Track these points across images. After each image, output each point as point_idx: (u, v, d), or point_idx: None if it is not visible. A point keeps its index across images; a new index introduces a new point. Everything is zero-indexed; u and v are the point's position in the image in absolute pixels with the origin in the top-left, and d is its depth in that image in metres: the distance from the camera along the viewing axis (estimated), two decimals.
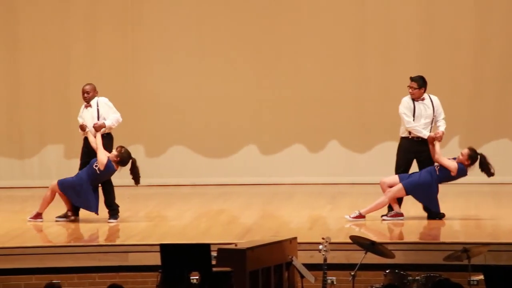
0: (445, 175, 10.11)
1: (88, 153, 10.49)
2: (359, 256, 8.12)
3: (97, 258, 8.86)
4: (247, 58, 13.65)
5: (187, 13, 13.65)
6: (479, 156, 10.15)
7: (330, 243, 8.02)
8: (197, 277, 7.73)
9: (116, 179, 13.77)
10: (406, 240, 9.35)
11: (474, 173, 12.72)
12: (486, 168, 10.09)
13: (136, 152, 13.79)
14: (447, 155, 13.30)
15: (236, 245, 8.10)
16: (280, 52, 13.59)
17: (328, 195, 12.50)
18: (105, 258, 8.86)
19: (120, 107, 13.69)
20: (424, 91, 10.24)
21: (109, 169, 10.29)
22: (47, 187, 13.22)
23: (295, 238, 8.43)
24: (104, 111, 10.49)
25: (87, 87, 10.62)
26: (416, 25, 13.44)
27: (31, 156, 13.64)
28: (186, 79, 13.75)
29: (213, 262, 7.75)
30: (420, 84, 10.21)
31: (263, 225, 10.20)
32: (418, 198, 10.11)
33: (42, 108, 13.65)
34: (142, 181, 13.76)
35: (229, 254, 7.82)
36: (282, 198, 12.41)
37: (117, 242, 9.24)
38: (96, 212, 10.28)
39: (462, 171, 10.17)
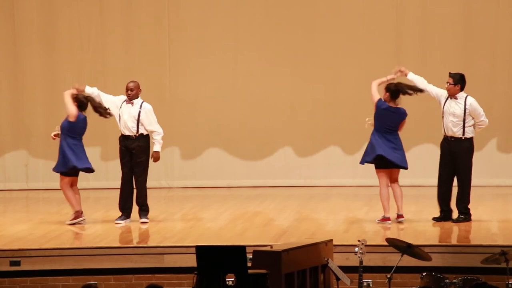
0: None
1: (127, 151, 10.54)
2: (396, 259, 8.07)
3: (133, 259, 8.90)
4: (283, 60, 13.63)
5: (224, 15, 13.66)
6: (393, 85, 10.05)
7: (366, 246, 7.98)
8: (232, 279, 7.73)
9: (152, 181, 13.88)
10: (443, 242, 9.28)
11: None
12: (406, 90, 10.02)
13: (172, 154, 13.88)
14: (485, 158, 13.23)
15: (271, 247, 8.08)
16: (316, 54, 13.56)
17: (364, 197, 12.44)
18: (141, 259, 8.90)
19: (156, 109, 13.77)
20: (460, 89, 10.13)
21: (80, 117, 10.26)
22: (87, 189, 13.35)
23: (331, 240, 8.40)
24: (146, 118, 10.48)
25: (131, 85, 10.65)
26: (454, 26, 13.34)
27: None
28: (222, 81, 13.77)
29: (249, 264, 7.75)
30: (456, 80, 10.12)
31: (298, 227, 10.19)
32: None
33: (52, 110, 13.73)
34: (178, 183, 13.94)
35: (265, 256, 7.81)
36: (318, 200, 12.38)
37: (153, 244, 9.26)
38: (91, 170, 10.30)
39: (380, 103, 10.08)
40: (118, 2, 13.72)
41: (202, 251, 7.68)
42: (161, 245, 9.19)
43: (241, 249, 7.62)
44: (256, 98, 13.74)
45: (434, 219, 10.25)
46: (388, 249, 8.35)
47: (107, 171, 13.74)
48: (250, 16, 13.65)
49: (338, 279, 8.05)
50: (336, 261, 8.25)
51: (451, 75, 10.18)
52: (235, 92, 13.76)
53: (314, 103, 13.66)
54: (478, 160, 13.35)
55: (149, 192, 13.43)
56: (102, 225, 10.46)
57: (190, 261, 8.25)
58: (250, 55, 13.68)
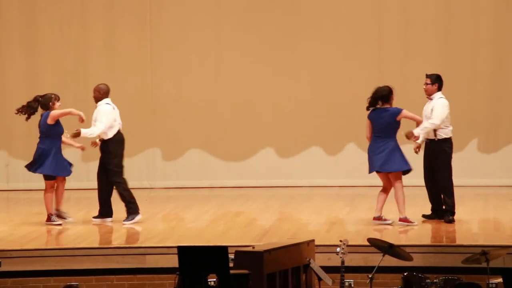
0: None
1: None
2: (377, 259, 8.09)
3: (115, 260, 8.87)
4: (264, 60, 13.63)
5: (206, 15, 13.66)
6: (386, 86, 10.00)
7: (348, 246, 8.00)
8: (214, 280, 7.72)
9: (134, 181, 13.84)
10: (424, 242, 9.30)
11: (493, 175, 12.66)
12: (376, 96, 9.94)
13: (154, 154, 13.85)
14: (466, 159, 13.29)
15: (253, 247, 8.09)
16: (298, 55, 13.58)
17: (346, 197, 12.47)
18: (122, 260, 8.87)
19: (138, 110, 13.78)
20: (438, 89, 10.13)
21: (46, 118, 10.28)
22: (67, 189, 13.30)
23: (313, 240, 8.41)
24: (96, 115, 10.44)
25: (94, 87, 10.54)
26: (435, 26, 13.39)
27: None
28: (203, 82, 13.76)
29: (231, 265, 7.75)
30: (433, 80, 10.13)
31: (280, 227, 10.19)
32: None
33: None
34: (160, 183, 13.91)
35: (247, 257, 7.82)
36: (300, 200, 12.39)
37: (135, 245, 9.24)
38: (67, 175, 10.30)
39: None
40: (100, 2, 13.69)
41: (184, 252, 7.67)
42: (143, 245, 9.16)
43: (223, 249, 7.62)
44: (238, 98, 13.74)
45: (424, 216, 10.26)
46: (370, 249, 8.37)
47: (88, 172, 13.70)
48: (231, 16, 13.64)
49: (320, 279, 8.06)
50: (318, 261, 8.26)
51: (428, 75, 10.20)
52: (217, 93, 13.75)
53: (296, 103, 13.67)
54: (459, 160, 13.42)
55: (141, 192, 13.48)
56: (83, 226, 10.42)
57: (172, 261, 8.24)
58: (232, 55, 13.68)
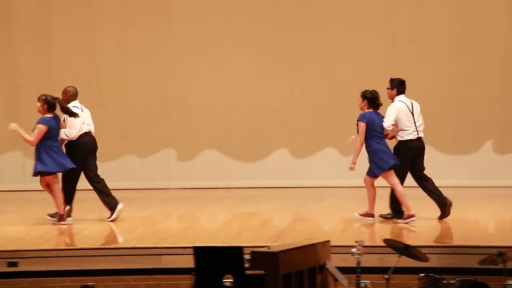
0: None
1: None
2: (393, 260, 8.08)
3: (131, 260, 8.89)
4: (279, 61, 13.64)
5: (221, 16, 13.68)
6: (369, 92, 10.25)
7: (364, 246, 7.99)
8: (230, 280, 7.73)
9: (148, 182, 13.86)
10: (440, 243, 9.28)
11: (509, 176, 12.63)
12: (377, 99, 10.22)
13: (168, 155, 13.88)
14: (481, 159, 13.27)
15: (269, 248, 8.09)
16: (313, 56, 13.58)
17: (361, 198, 12.42)
18: (138, 260, 8.89)
19: (152, 111, 13.81)
20: (397, 94, 10.36)
21: (50, 123, 10.20)
22: (81, 190, 13.33)
23: (328, 241, 8.40)
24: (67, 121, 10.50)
25: (62, 90, 10.68)
26: (449, 27, 13.36)
27: None
28: (218, 82, 13.78)
29: (246, 265, 7.75)
30: (392, 85, 10.41)
31: (295, 228, 10.19)
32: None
33: None
34: (175, 184, 13.93)
35: (262, 257, 7.81)
36: (315, 201, 12.39)
37: (150, 245, 9.26)
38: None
39: (361, 117, 10.25)
40: (113, 1, 13.71)
41: (200, 252, 7.68)
42: (158, 246, 9.18)
43: (239, 250, 7.62)
44: (252, 99, 13.75)
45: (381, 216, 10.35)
46: (386, 250, 8.35)
47: (104, 172, 13.74)
48: (246, 18, 13.65)
49: (336, 280, 8.06)
50: (334, 262, 8.25)
51: (390, 80, 10.49)
52: (232, 94, 13.77)
53: (310, 104, 13.67)
54: (474, 161, 13.40)
55: (145, 192, 13.51)
56: (98, 226, 10.45)
57: (188, 262, 8.25)
58: (247, 56, 13.69)
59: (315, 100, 13.63)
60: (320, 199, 12.49)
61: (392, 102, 10.44)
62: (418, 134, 10.38)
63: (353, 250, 7.93)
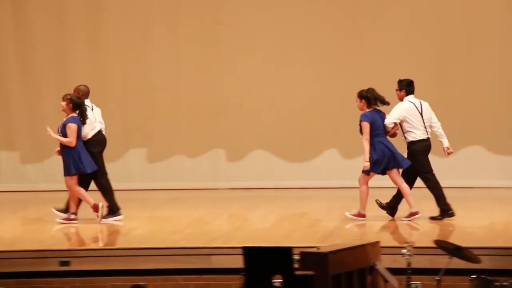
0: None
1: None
2: (444, 261, 8.00)
3: (181, 260, 8.93)
4: (328, 61, 13.60)
5: (271, 14, 13.67)
6: (365, 91, 10.36)
7: (414, 247, 7.93)
8: (279, 281, 7.73)
9: (198, 182, 13.91)
10: (492, 244, 9.18)
11: None
12: (379, 97, 10.31)
13: (218, 155, 13.92)
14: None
15: (318, 248, 8.07)
16: (360, 56, 13.52)
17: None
18: (188, 260, 8.93)
19: (202, 111, 13.86)
20: (406, 94, 10.46)
21: (78, 121, 10.29)
22: (131, 190, 13.38)
23: (378, 242, 8.35)
24: None
25: (74, 88, 10.78)
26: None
27: (115, 160, 13.84)
28: (268, 82, 13.78)
29: (296, 266, 7.74)
30: (400, 86, 10.51)
31: (345, 228, 10.15)
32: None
33: (126, 111, 13.83)
34: (224, 184, 13.97)
35: (312, 258, 7.79)
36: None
37: (200, 245, 9.29)
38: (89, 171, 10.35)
39: (363, 116, 10.34)
40: (164, 2, 13.78)
41: (249, 252, 7.68)
42: (208, 246, 9.22)
43: (288, 250, 7.61)
44: (302, 99, 13.73)
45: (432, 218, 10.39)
46: (437, 251, 8.28)
47: (152, 173, 13.84)
48: (296, 19, 13.63)
49: (386, 281, 8.01)
50: (384, 263, 8.20)
51: (398, 81, 10.53)
52: (282, 93, 13.76)
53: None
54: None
55: (195, 192, 13.57)
56: (149, 226, 10.52)
57: (237, 262, 8.26)
58: (297, 57, 13.67)
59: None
60: (370, 199, 12.41)
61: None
62: (427, 134, 10.46)
63: (403, 251, 7.88)
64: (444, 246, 8.11)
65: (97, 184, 10.63)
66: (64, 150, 10.37)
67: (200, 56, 13.79)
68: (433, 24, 13.49)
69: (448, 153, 10.53)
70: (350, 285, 7.91)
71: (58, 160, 13.68)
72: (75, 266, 8.81)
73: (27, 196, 13.25)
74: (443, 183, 10.56)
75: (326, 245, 8.50)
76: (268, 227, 10.36)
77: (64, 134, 10.35)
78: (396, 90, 10.51)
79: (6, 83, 13.73)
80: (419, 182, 10.64)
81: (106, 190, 10.61)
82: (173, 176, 13.75)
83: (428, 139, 10.47)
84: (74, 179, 10.40)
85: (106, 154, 13.71)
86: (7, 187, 13.74)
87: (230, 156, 13.89)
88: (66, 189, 10.57)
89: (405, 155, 10.47)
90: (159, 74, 13.80)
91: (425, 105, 10.50)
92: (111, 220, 10.49)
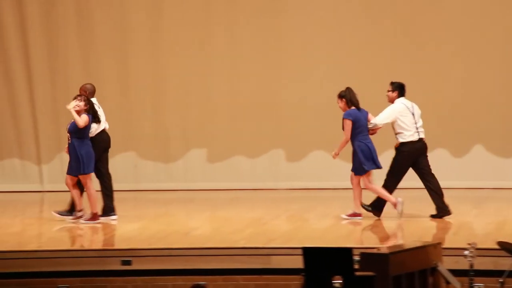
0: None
1: None
2: (508, 263, 7.89)
3: (241, 260, 8.95)
4: (388, 60, 13.51)
5: (328, 20, 13.63)
6: (346, 89, 10.56)
7: (477, 249, 7.84)
8: (339, 281, 7.70)
9: (258, 182, 13.92)
10: None
11: None
12: (354, 100, 10.51)
13: (277, 156, 13.91)
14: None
15: (378, 249, 8.02)
16: (425, 55, 13.41)
17: (473, 199, 12.22)
18: (248, 260, 8.95)
19: (261, 111, 13.87)
20: (398, 96, 10.61)
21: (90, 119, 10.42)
22: (192, 190, 13.45)
23: (440, 243, 8.28)
24: None
25: (80, 87, 10.89)
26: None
27: (176, 160, 13.94)
28: (326, 84, 13.73)
29: (356, 267, 7.71)
30: (393, 87, 10.65)
31: (406, 229, 10.08)
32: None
33: (186, 112, 13.92)
34: (284, 184, 13.96)
35: (372, 259, 7.75)
36: (425, 203, 12.19)
37: (260, 245, 9.31)
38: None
39: (346, 114, 10.49)
40: (224, 2, 13.82)
41: (309, 253, 7.67)
42: (268, 246, 9.23)
43: (348, 251, 7.58)
44: (361, 99, 13.64)
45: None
46: (500, 253, 8.17)
47: (213, 173, 13.90)
48: (353, 19, 13.57)
49: (448, 282, 7.93)
50: (445, 264, 8.12)
51: (390, 83, 10.67)
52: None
53: (422, 104, 13.46)
54: None
55: (255, 193, 13.59)
56: (209, 226, 10.57)
57: (297, 262, 8.25)
58: (355, 56, 13.61)
59: (427, 99, 13.43)
60: (431, 201, 12.29)
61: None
62: (419, 135, 10.56)
63: (466, 252, 7.79)
64: (508, 248, 8.00)
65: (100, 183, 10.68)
66: (75, 149, 10.40)
67: (259, 56, 13.79)
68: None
69: None
70: (411, 286, 7.85)
71: (121, 160, 13.91)
72: (136, 266, 8.89)
73: None
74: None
75: (386, 246, 8.45)
76: (328, 228, 10.33)
77: (75, 132, 10.39)
78: (389, 91, 10.63)
79: (69, 82, 13.90)
80: (419, 183, 10.66)
81: (107, 191, 10.64)
82: (233, 176, 13.79)
83: (420, 140, 10.60)
84: (75, 179, 10.45)
85: (168, 154, 13.91)
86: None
87: (289, 157, 13.88)
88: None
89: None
90: (219, 74, 13.85)
91: (416, 107, 10.68)
92: (104, 219, 10.56)
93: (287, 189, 13.78)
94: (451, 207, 11.67)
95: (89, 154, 10.40)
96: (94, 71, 13.90)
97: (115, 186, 13.89)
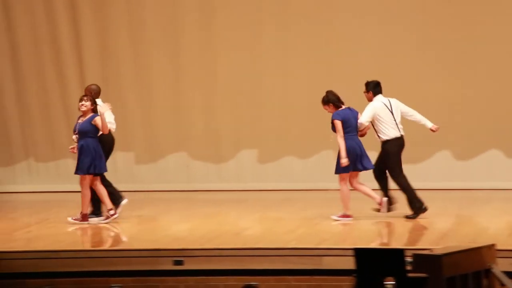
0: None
1: None
2: None
3: (292, 261, 8.95)
4: (450, 63, 13.40)
5: (379, 16, 13.57)
6: (326, 95, 10.69)
7: None
8: (392, 283, 7.66)
9: (309, 183, 13.88)
10: None
11: None
12: (337, 100, 10.59)
13: (327, 157, 13.83)
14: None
15: (431, 250, 7.96)
16: (476, 53, 13.28)
17: None
18: (299, 261, 8.94)
19: (313, 112, 13.82)
20: (374, 95, 10.71)
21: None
22: (243, 190, 13.48)
23: (494, 244, 8.18)
24: None
25: (86, 88, 11.00)
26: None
27: (227, 160, 13.98)
28: (385, 82, 13.67)
29: (408, 268, 7.66)
30: (367, 88, 10.78)
31: (459, 231, 9.99)
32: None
33: (237, 112, 13.95)
34: (335, 185, 13.88)
35: (425, 260, 7.69)
36: (479, 203, 12.10)
37: (311, 246, 9.29)
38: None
39: (335, 115, 10.61)
40: (275, 3, 13.83)
41: (361, 254, 7.64)
42: (319, 247, 9.21)
43: (400, 252, 7.54)
44: (414, 100, 13.53)
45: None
46: None
47: (263, 173, 13.90)
48: (396, 18, 13.49)
49: (502, 284, 7.84)
50: (500, 266, 8.03)
51: (365, 84, 10.77)
52: (397, 95, 13.62)
53: (473, 104, 13.36)
54: None
55: (306, 193, 13.55)
56: (261, 226, 10.58)
57: (348, 263, 8.23)
58: (421, 56, 13.49)
59: (479, 99, 13.31)
60: (485, 202, 12.18)
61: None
62: (399, 131, 10.67)
63: None
64: None
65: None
66: (85, 148, 10.47)
67: (311, 56, 13.76)
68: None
69: (435, 130, 10.91)
70: None
71: (171, 160, 14.00)
72: (188, 266, 8.93)
73: (141, 196, 13.53)
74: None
75: (439, 247, 8.39)
76: (380, 229, 10.27)
77: (85, 132, 10.47)
78: (364, 92, 10.77)
79: (122, 82, 14.02)
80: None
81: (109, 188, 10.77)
82: (284, 176, 13.79)
83: (401, 136, 10.72)
84: (88, 179, 10.52)
85: (219, 154, 13.93)
86: (123, 187, 14.04)
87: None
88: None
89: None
90: (270, 74, 13.85)
91: (394, 102, 10.75)
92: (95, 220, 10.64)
93: (337, 189, 13.71)
94: (506, 208, 11.56)
95: (101, 153, 10.49)
96: (146, 71, 14.01)
97: (167, 186, 14.00)
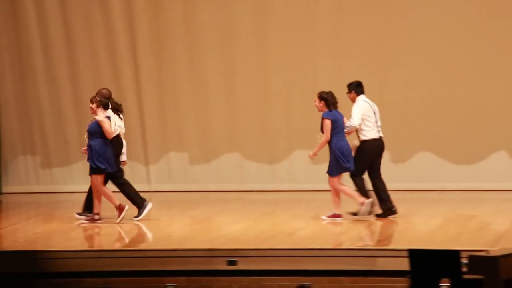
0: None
1: None
2: None
3: (346, 261, 8.93)
4: (494, 62, 13.26)
5: (431, 19, 13.48)
6: (325, 93, 10.70)
7: None
8: (447, 284, 7.60)
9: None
10: None
11: None
12: (334, 102, 10.60)
13: (383, 157, 13.80)
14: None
15: (487, 252, 7.88)
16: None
17: None
18: (353, 262, 8.91)
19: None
20: (357, 95, 10.78)
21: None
22: (296, 190, 13.45)
23: None
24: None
25: (97, 91, 11.02)
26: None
27: (280, 161, 13.99)
28: (431, 84, 13.58)
29: (464, 269, 7.59)
30: (349, 89, 10.84)
31: None
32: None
33: (291, 113, 13.95)
34: (388, 186, 13.81)
35: (481, 262, 7.62)
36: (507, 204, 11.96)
37: (365, 246, 9.26)
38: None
39: (325, 114, 10.64)
40: (330, 3, 13.79)
41: (415, 255, 7.59)
42: (373, 247, 9.17)
43: (456, 253, 7.47)
44: (468, 100, 13.44)
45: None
46: None
47: (318, 175, 13.87)
48: (456, 17, 13.37)
49: None
50: None
51: (347, 85, 10.84)
52: (446, 95, 13.52)
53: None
54: None
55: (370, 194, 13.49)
56: (313, 226, 10.57)
57: (403, 264, 8.18)
58: (463, 56, 13.40)
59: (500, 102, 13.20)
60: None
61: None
62: (379, 133, 10.69)
63: None
64: None
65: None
66: (98, 148, 10.55)
67: (365, 56, 13.68)
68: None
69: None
70: None
71: (225, 161, 14.05)
72: (242, 266, 8.97)
73: (195, 196, 13.61)
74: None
75: (496, 249, 8.30)
76: (435, 230, 10.20)
77: (92, 133, 10.59)
78: (347, 93, 10.84)
79: (176, 84, 14.12)
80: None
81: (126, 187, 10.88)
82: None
83: (380, 138, 10.75)
84: (102, 178, 10.63)
85: (272, 155, 13.94)
86: (177, 187, 14.15)
87: (394, 158, 13.75)
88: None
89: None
90: (323, 75, 13.81)
91: (375, 106, 10.81)
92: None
93: (391, 190, 13.65)
94: None
95: (107, 154, 10.58)
96: (200, 73, 14.09)
97: (221, 186, 14.04)
